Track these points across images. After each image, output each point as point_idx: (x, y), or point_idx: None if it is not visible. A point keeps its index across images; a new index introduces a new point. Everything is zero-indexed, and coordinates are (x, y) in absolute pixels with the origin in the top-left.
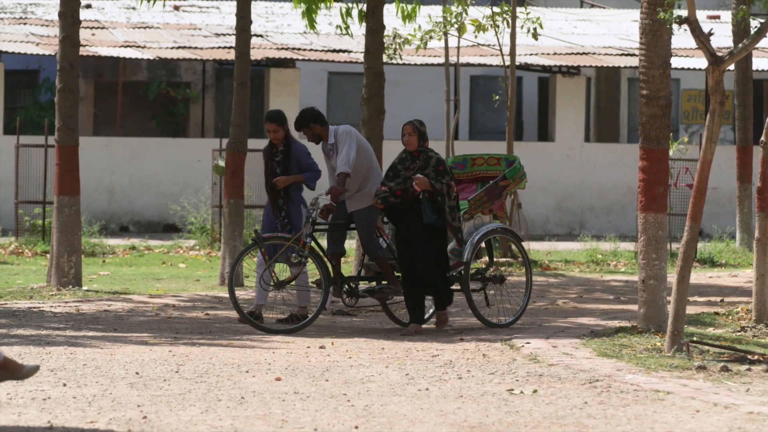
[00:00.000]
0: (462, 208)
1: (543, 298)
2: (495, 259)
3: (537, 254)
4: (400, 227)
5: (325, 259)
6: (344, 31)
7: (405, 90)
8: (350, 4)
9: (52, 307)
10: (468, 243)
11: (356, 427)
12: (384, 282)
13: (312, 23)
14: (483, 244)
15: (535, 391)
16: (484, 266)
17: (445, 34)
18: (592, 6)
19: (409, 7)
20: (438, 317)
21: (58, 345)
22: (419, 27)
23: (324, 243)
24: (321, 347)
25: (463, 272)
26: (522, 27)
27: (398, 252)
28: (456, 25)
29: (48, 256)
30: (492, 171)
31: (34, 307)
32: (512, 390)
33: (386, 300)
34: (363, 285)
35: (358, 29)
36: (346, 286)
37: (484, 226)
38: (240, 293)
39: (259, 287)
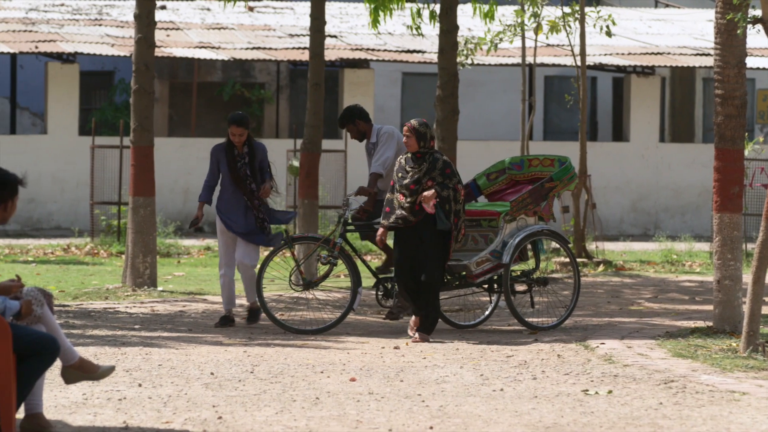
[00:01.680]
0: (503, 209)
1: (618, 299)
2: (551, 260)
3: (612, 255)
4: (409, 235)
5: (356, 260)
6: (415, 32)
7: (479, 90)
8: (421, 5)
9: (127, 307)
10: (509, 245)
11: (431, 428)
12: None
13: (376, 22)
14: (529, 246)
15: (610, 392)
16: (529, 268)
17: (522, 35)
18: (667, 6)
19: (486, 7)
20: (417, 340)
21: (133, 345)
22: (488, 30)
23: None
24: (395, 348)
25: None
26: (594, 26)
27: (404, 259)
28: (531, 26)
29: (123, 256)
30: (546, 172)
31: (110, 308)
32: (587, 390)
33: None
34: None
35: (432, 29)
36: (381, 287)
37: (527, 227)
38: (269, 294)
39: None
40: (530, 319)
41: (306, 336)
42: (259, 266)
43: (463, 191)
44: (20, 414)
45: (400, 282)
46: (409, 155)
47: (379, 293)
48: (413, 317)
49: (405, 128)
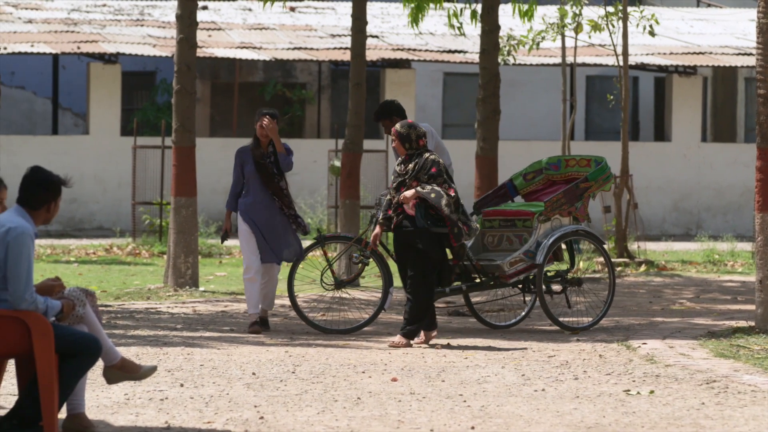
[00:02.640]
0: (537, 209)
1: (659, 299)
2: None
3: (653, 255)
4: (405, 241)
5: (388, 260)
6: (456, 32)
7: (521, 90)
8: (461, 5)
9: (169, 307)
10: (542, 245)
11: (472, 428)
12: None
13: (416, 22)
14: (564, 246)
15: (651, 392)
16: (565, 269)
17: (562, 34)
18: (709, 5)
19: (525, 6)
20: (391, 343)
21: (175, 346)
22: (531, 28)
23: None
24: (437, 348)
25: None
26: (637, 26)
27: (402, 267)
28: (572, 25)
29: (165, 257)
30: (583, 172)
31: (152, 308)
32: (629, 391)
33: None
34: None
35: (473, 29)
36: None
37: (561, 228)
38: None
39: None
40: (567, 319)
41: (341, 336)
42: (291, 265)
43: (453, 190)
44: (62, 414)
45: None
46: (402, 157)
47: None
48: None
49: (392, 133)
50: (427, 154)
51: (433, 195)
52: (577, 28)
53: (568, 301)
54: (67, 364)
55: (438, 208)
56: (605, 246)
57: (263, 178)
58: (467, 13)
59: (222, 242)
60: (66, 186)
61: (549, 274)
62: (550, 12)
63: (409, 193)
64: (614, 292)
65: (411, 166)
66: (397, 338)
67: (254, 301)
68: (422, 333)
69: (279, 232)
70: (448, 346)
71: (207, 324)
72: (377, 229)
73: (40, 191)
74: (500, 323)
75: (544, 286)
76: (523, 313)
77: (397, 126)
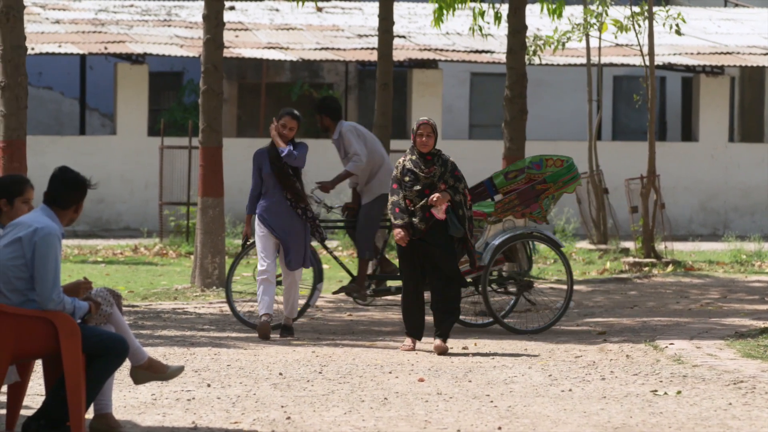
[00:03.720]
0: (489, 209)
1: (687, 299)
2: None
3: (680, 255)
4: (416, 247)
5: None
6: (479, 32)
7: (547, 90)
8: (484, 5)
9: (196, 308)
10: (489, 246)
11: (499, 428)
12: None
13: (439, 21)
14: (521, 247)
15: (679, 392)
16: (514, 270)
17: (587, 34)
18: (737, 5)
19: (554, 5)
20: (438, 348)
21: (202, 346)
22: (556, 29)
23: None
24: (464, 348)
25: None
26: (663, 25)
27: (411, 275)
28: (597, 25)
29: (192, 257)
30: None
31: (179, 308)
32: (656, 391)
33: (351, 295)
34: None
35: (498, 30)
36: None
37: (513, 229)
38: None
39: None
40: (513, 321)
41: (376, 337)
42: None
43: (470, 197)
44: (89, 414)
45: (405, 298)
46: (415, 156)
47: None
48: (408, 339)
49: (426, 128)
50: (447, 156)
51: (461, 212)
52: (602, 28)
53: (530, 301)
54: (94, 365)
55: (464, 217)
56: (563, 249)
57: (279, 179)
58: (491, 13)
59: (243, 247)
60: (91, 188)
61: (503, 275)
62: (577, 12)
63: (440, 195)
64: (570, 298)
65: (436, 168)
66: (438, 342)
67: (266, 303)
68: (410, 340)
69: (297, 236)
70: (476, 347)
71: (234, 324)
72: (398, 231)
73: (70, 191)
74: (476, 322)
75: (500, 287)
76: (503, 313)
77: (432, 121)
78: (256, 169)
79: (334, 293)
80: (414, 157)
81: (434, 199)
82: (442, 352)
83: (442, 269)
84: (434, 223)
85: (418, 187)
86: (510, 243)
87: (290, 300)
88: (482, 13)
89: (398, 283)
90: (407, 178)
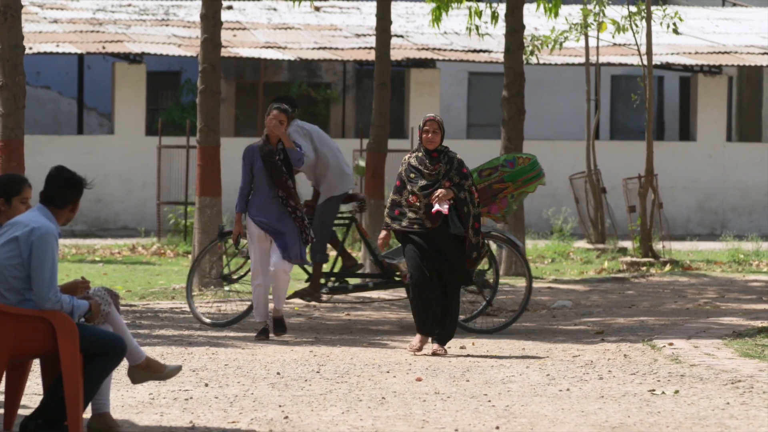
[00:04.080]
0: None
1: (684, 299)
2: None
3: (678, 254)
4: (425, 242)
5: None
6: (476, 32)
7: (545, 90)
8: (481, 5)
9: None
10: None
11: (497, 428)
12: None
13: (437, 20)
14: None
15: (676, 392)
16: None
17: (585, 34)
18: (734, 5)
19: (550, 4)
20: (434, 352)
21: (199, 345)
22: (554, 28)
23: None
24: (462, 347)
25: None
26: (661, 24)
27: (423, 269)
28: (594, 25)
29: (190, 256)
30: (528, 171)
31: (176, 308)
32: (654, 390)
33: (304, 299)
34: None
35: (495, 29)
36: (330, 283)
37: None
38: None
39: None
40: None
41: (374, 337)
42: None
43: (477, 194)
44: (87, 414)
45: (421, 296)
46: (421, 154)
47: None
48: (418, 336)
49: (432, 124)
50: (453, 153)
51: (465, 210)
52: (600, 27)
53: (489, 301)
54: (92, 364)
55: (467, 219)
56: (521, 249)
57: (272, 176)
58: (487, 13)
59: (236, 247)
60: (87, 187)
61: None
62: (574, 12)
63: (443, 191)
64: (530, 297)
65: (441, 165)
66: (436, 346)
67: (262, 309)
68: (420, 338)
69: (291, 232)
70: (473, 346)
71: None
72: (384, 233)
73: (66, 191)
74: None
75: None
76: (476, 311)
77: (438, 117)
78: (247, 165)
79: (288, 298)
80: (420, 154)
81: (436, 195)
82: (441, 353)
83: (446, 269)
84: (442, 222)
85: (422, 183)
86: None
87: (279, 292)
88: (479, 13)
89: (357, 280)
90: (412, 175)
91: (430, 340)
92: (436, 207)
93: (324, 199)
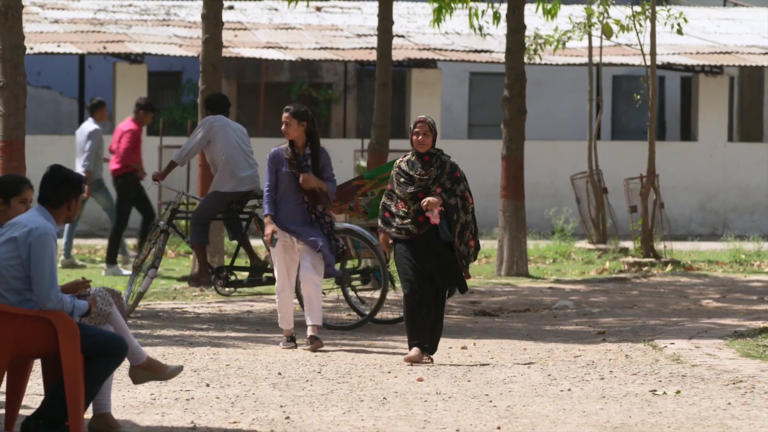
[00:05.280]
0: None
1: (685, 299)
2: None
3: (680, 254)
4: (417, 246)
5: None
6: (479, 32)
7: (547, 90)
8: (483, 6)
9: (195, 307)
10: None
11: (498, 428)
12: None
13: (438, 21)
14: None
15: (678, 392)
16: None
17: (588, 34)
18: (736, 5)
19: (549, 5)
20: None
21: (201, 345)
22: (556, 28)
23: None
24: (463, 348)
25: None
26: (665, 24)
27: (418, 273)
28: (597, 25)
29: (191, 257)
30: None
31: (177, 308)
32: (655, 391)
33: (198, 285)
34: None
35: (497, 29)
36: (223, 275)
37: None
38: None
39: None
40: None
41: (375, 337)
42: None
43: (472, 200)
44: (88, 414)
45: (410, 304)
46: (412, 157)
47: (219, 281)
48: (414, 349)
49: (422, 126)
50: (446, 157)
51: (455, 217)
52: (605, 30)
53: (347, 297)
54: (93, 364)
55: (457, 222)
56: (376, 245)
57: (297, 182)
58: (489, 13)
59: (271, 245)
60: (86, 183)
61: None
62: (577, 11)
63: (433, 199)
64: (385, 295)
65: (433, 169)
66: (415, 353)
67: (288, 317)
68: (416, 351)
69: (318, 238)
70: (474, 347)
71: (233, 324)
72: (383, 236)
73: (60, 189)
74: (337, 324)
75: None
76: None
77: (429, 118)
78: (272, 169)
79: (179, 280)
80: (412, 158)
81: (425, 204)
82: (418, 362)
83: (435, 276)
84: (429, 229)
85: (410, 190)
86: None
87: (311, 306)
88: (478, 14)
89: (257, 275)
90: (402, 179)
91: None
92: (428, 215)
93: (212, 190)
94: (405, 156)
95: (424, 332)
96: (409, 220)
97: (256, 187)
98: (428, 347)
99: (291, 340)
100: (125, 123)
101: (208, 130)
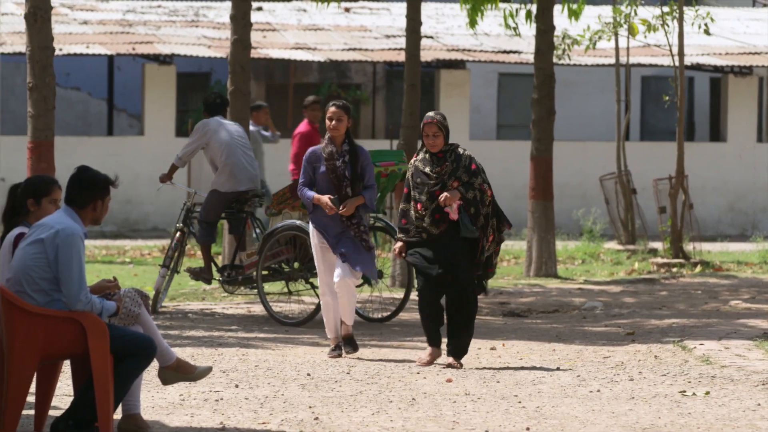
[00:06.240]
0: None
1: (715, 300)
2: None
3: (709, 255)
4: (435, 247)
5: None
6: (512, 32)
7: (575, 91)
8: (516, 5)
9: (224, 308)
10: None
11: (527, 429)
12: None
13: (473, 22)
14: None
15: (707, 393)
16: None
17: (615, 34)
18: (765, 5)
19: (575, 5)
20: (449, 366)
21: (230, 346)
22: (588, 27)
23: None
24: (492, 348)
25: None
26: (692, 24)
27: (431, 277)
28: (625, 25)
29: (220, 257)
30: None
31: (207, 309)
32: (684, 392)
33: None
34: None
35: (528, 30)
36: (226, 273)
37: (282, 223)
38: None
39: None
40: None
41: (404, 338)
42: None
43: (491, 192)
44: (118, 414)
45: (422, 306)
46: (426, 155)
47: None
48: (429, 349)
49: (431, 128)
50: (461, 150)
51: (473, 210)
52: (631, 30)
53: (289, 290)
54: (122, 365)
55: (478, 215)
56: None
57: (334, 182)
58: (522, 13)
59: (341, 208)
60: (113, 186)
61: (278, 267)
62: (606, 12)
63: (449, 193)
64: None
65: (448, 164)
66: (451, 360)
67: (332, 324)
68: (431, 350)
69: (353, 242)
70: (503, 347)
71: (262, 325)
72: (398, 244)
73: (85, 190)
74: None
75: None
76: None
77: (438, 117)
78: (309, 168)
79: (185, 270)
80: (426, 156)
81: (442, 199)
82: (454, 367)
83: (457, 277)
84: (449, 226)
85: (428, 188)
86: (276, 235)
87: (345, 307)
88: (513, 14)
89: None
90: (418, 180)
91: (444, 353)
92: (447, 211)
93: (211, 189)
94: (418, 154)
95: (437, 335)
96: (428, 220)
97: (254, 186)
98: (452, 352)
99: (337, 349)
100: (300, 126)
101: (203, 135)
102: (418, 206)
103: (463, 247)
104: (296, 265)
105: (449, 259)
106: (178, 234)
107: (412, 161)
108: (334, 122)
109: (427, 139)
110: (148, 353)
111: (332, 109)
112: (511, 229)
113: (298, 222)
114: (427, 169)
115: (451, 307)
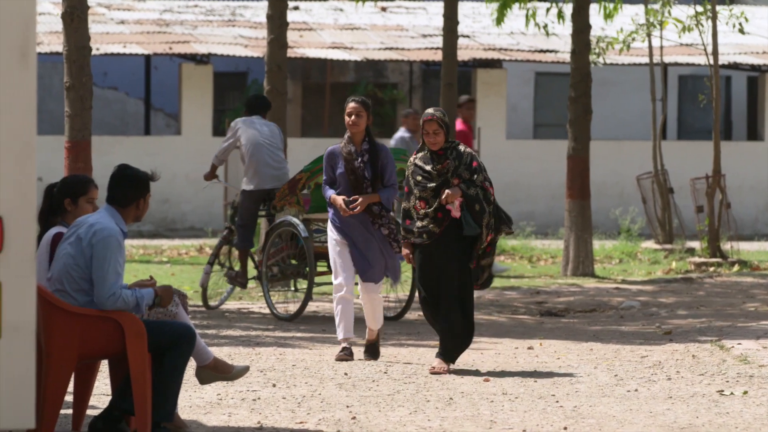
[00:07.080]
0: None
1: (753, 299)
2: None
3: (746, 254)
4: (434, 249)
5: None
6: (543, 31)
7: (612, 90)
8: (546, 4)
9: (261, 308)
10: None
11: (565, 428)
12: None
13: (500, 19)
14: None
15: (745, 393)
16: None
17: (648, 34)
18: None
19: (611, 5)
20: (433, 369)
21: (267, 346)
22: (621, 29)
23: None
24: (529, 348)
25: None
26: (726, 23)
27: (429, 279)
28: (658, 25)
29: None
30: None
31: (244, 308)
32: (722, 391)
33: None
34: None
35: (562, 29)
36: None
37: (279, 219)
38: None
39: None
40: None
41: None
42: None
43: (493, 190)
44: (181, 412)
45: (425, 310)
46: (426, 153)
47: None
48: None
49: (431, 125)
50: (462, 147)
51: (477, 207)
52: (662, 26)
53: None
54: (166, 360)
55: (481, 218)
56: (305, 236)
57: (352, 182)
58: (553, 11)
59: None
60: (153, 180)
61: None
62: (641, 11)
63: (451, 190)
64: (310, 294)
65: (450, 161)
66: (437, 362)
67: (346, 324)
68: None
69: (372, 244)
70: (541, 347)
71: (299, 324)
72: (406, 250)
73: (128, 189)
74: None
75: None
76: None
77: (438, 113)
78: (328, 167)
79: (224, 274)
80: (426, 154)
81: (444, 196)
82: (437, 372)
83: (453, 279)
84: (450, 225)
85: (431, 186)
86: (275, 232)
87: (371, 312)
88: (535, 14)
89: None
90: (419, 177)
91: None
92: (449, 208)
93: (241, 189)
94: (417, 153)
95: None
96: (429, 219)
97: (280, 185)
98: (441, 352)
99: (346, 350)
100: (456, 125)
101: (234, 133)
102: (420, 204)
103: (463, 248)
104: (293, 261)
105: (451, 258)
106: (225, 231)
107: (411, 159)
108: (353, 118)
109: (428, 137)
110: (189, 340)
111: (351, 104)
112: (512, 234)
113: (290, 217)
114: (429, 167)
115: (445, 315)
